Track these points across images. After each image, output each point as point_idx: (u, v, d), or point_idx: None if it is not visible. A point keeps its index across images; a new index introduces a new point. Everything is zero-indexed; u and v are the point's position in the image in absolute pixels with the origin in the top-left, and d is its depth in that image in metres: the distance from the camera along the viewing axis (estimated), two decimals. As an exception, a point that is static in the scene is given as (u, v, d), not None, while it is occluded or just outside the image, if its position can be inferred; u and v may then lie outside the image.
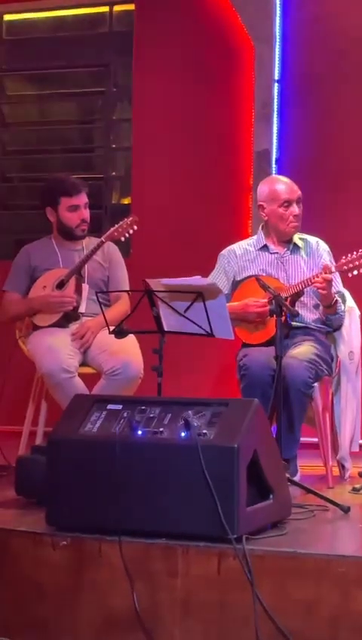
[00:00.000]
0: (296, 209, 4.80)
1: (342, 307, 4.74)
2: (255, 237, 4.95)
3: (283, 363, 4.33)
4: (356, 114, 6.02)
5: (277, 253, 4.87)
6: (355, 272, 4.52)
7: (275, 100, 6.16)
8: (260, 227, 4.95)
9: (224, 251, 4.94)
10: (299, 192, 4.83)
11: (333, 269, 4.55)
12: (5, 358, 4.91)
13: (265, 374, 4.45)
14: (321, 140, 6.10)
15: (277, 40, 6.15)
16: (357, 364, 4.84)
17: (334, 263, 4.66)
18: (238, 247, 4.94)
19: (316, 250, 4.87)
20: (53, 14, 6.96)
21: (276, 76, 6.16)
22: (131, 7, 6.67)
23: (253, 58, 6.18)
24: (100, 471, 3.49)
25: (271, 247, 4.88)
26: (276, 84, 6.17)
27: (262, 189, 4.89)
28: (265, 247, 4.89)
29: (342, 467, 4.85)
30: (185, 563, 3.34)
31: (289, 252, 4.87)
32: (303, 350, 4.58)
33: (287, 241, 4.88)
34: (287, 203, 4.80)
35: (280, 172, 6.11)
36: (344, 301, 4.79)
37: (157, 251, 6.27)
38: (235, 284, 4.83)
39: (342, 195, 6.03)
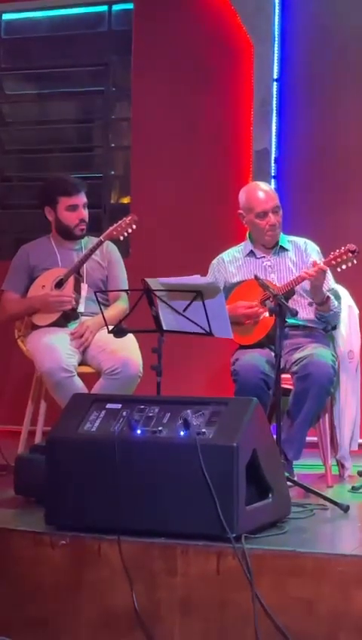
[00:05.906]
0: (271, 219, 4.80)
1: (336, 303, 4.74)
2: (243, 243, 4.96)
3: (307, 360, 4.44)
4: (355, 113, 6.01)
5: (263, 257, 4.87)
6: (344, 267, 4.51)
7: (274, 99, 6.14)
8: (247, 233, 4.95)
9: (214, 261, 4.96)
10: (276, 201, 4.82)
11: (322, 265, 4.53)
12: (4, 357, 4.91)
13: (255, 378, 4.47)
14: (320, 138, 6.09)
15: (276, 39, 6.13)
16: (357, 363, 4.85)
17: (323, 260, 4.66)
18: (227, 254, 4.96)
19: (304, 251, 4.87)
20: (52, 13, 6.95)
21: (275, 75, 6.14)
22: (130, 6, 6.66)
23: (252, 57, 6.16)
24: (99, 470, 3.49)
25: (258, 252, 4.89)
26: (275, 83, 6.15)
27: (241, 197, 4.89)
28: (251, 253, 4.90)
29: (342, 466, 4.85)
30: (185, 562, 3.34)
31: (276, 255, 4.87)
32: (321, 349, 4.58)
33: (273, 246, 4.88)
34: (263, 213, 4.79)
35: (279, 171, 6.11)
36: (337, 298, 4.78)
37: (156, 251, 6.27)
38: (228, 289, 4.81)
39: (341, 194, 6.01)
